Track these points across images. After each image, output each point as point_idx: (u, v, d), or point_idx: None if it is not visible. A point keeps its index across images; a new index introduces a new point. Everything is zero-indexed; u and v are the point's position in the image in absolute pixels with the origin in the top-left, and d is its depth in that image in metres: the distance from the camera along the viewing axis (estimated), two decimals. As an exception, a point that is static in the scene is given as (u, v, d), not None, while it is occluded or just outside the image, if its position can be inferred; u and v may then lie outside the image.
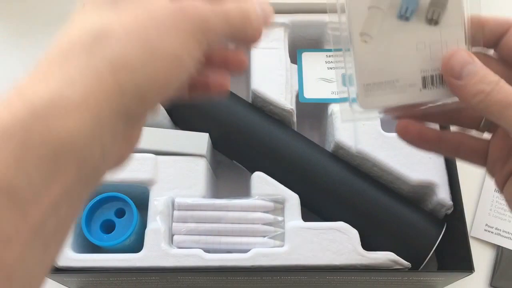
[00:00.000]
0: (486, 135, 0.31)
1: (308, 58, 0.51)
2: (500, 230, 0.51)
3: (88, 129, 0.19)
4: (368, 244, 0.43)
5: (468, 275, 0.41)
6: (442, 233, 0.43)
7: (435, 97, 0.27)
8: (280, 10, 0.52)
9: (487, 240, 0.51)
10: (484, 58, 0.27)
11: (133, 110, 0.20)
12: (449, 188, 0.45)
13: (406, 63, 0.27)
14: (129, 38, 0.20)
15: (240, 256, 0.41)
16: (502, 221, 0.51)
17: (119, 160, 0.23)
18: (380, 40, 0.27)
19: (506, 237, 0.51)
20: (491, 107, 0.25)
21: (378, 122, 0.47)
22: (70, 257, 0.41)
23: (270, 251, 0.42)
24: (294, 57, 0.52)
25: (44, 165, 0.18)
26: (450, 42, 0.27)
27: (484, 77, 0.26)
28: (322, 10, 0.52)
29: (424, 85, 0.27)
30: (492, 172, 0.30)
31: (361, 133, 0.46)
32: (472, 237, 0.51)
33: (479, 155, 0.30)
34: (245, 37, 0.23)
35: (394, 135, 0.47)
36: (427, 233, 0.44)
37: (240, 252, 0.42)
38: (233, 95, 0.50)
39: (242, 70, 0.26)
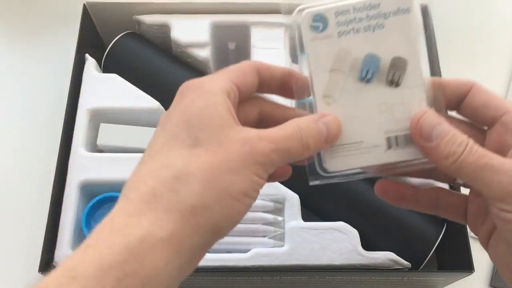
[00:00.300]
0: (464, 191, 0.30)
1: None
2: None
3: (170, 263, 0.23)
4: (368, 244, 0.43)
5: (468, 275, 0.41)
6: (442, 233, 0.43)
7: (402, 157, 0.27)
8: (280, 9, 0.52)
9: None
10: (449, 120, 0.27)
11: (209, 242, 0.25)
12: (449, 188, 0.45)
13: (370, 124, 0.27)
14: (206, 181, 0.23)
15: (240, 256, 0.41)
16: None
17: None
18: (343, 102, 0.27)
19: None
20: (464, 169, 0.25)
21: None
22: (70, 257, 0.41)
23: (270, 251, 0.42)
24: (294, 57, 0.52)
25: None
26: (413, 103, 0.27)
27: (454, 138, 0.25)
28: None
29: (389, 146, 0.27)
30: (473, 229, 0.29)
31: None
32: (472, 237, 0.50)
33: (458, 212, 0.30)
34: (300, 159, 0.27)
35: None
36: (427, 233, 0.44)
37: (240, 252, 0.42)
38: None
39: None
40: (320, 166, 0.28)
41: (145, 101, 0.47)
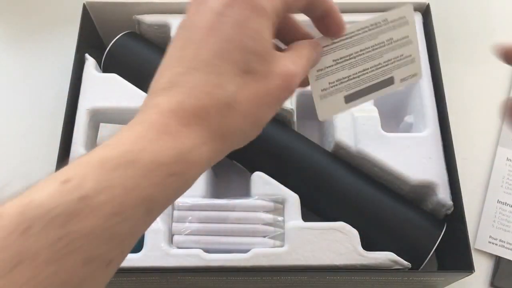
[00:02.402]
0: None
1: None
2: (504, 242, 0.50)
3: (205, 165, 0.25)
4: (368, 244, 0.43)
5: (469, 275, 0.41)
6: (442, 233, 0.43)
7: None
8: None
9: (492, 252, 0.50)
10: None
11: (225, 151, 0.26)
12: (449, 188, 0.45)
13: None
14: (249, 111, 0.26)
15: (240, 256, 0.41)
16: (506, 233, 0.51)
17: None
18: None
19: (510, 249, 0.50)
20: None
21: (378, 122, 0.47)
22: (70, 257, 0.41)
23: (270, 251, 0.42)
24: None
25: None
26: None
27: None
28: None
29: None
30: None
31: (361, 133, 0.46)
32: (475, 249, 0.50)
33: None
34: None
35: (394, 135, 0.47)
36: (427, 233, 0.43)
37: (240, 252, 0.42)
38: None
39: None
40: None
41: (145, 101, 0.47)
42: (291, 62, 0.28)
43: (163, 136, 0.23)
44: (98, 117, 0.48)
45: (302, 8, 0.30)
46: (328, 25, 0.31)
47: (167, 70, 0.26)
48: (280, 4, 0.27)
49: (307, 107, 0.52)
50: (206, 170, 0.26)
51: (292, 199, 0.44)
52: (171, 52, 0.26)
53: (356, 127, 0.47)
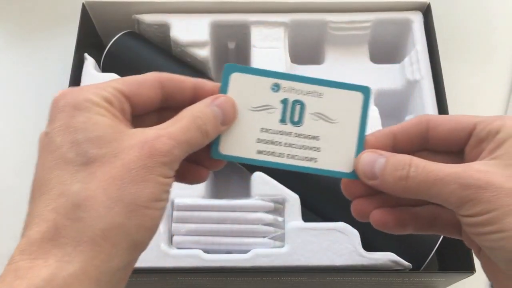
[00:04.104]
0: None
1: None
2: None
3: None
4: (368, 244, 0.43)
5: (469, 275, 0.41)
6: (443, 233, 0.43)
7: None
8: (280, 9, 0.52)
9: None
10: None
11: (131, 259, 0.23)
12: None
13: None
14: (109, 199, 0.22)
15: (240, 256, 0.41)
16: None
17: None
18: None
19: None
20: (416, 190, 0.24)
21: (378, 122, 0.47)
22: (69, 257, 0.41)
23: (270, 252, 0.41)
24: (294, 57, 0.52)
25: None
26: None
27: (394, 164, 0.25)
28: (322, 9, 0.52)
29: None
30: (467, 242, 0.28)
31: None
32: None
33: (455, 227, 0.28)
34: (202, 147, 0.26)
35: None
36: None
37: (240, 252, 0.42)
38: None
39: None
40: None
41: (145, 101, 0.47)
42: (156, 128, 0.24)
43: (17, 281, 0.20)
44: (97, 117, 0.47)
45: (162, 98, 0.27)
46: (202, 95, 0.27)
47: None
48: (107, 93, 0.25)
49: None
50: (106, 280, 0.22)
51: (292, 199, 0.44)
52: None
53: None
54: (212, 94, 0.27)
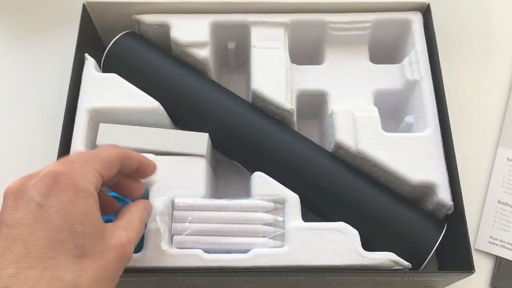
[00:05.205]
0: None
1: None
2: (505, 242, 0.50)
3: None
4: (368, 244, 0.43)
5: (469, 275, 0.41)
6: (443, 233, 0.43)
7: None
8: (280, 9, 0.52)
9: (492, 253, 0.50)
10: None
11: None
12: (449, 188, 0.45)
13: None
14: None
15: (240, 256, 0.41)
16: (506, 233, 0.51)
17: None
18: None
19: (511, 249, 0.50)
20: None
21: (378, 122, 0.47)
22: (69, 257, 0.41)
23: (270, 252, 0.41)
24: (294, 57, 0.52)
25: None
26: None
27: None
28: (322, 10, 0.52)
29: None
30: None
31: (361, 133, 0.46)
32: (476, 249, 0.50)
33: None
34: None
35: (394, 135, 0.47)
36: (428, 233, 0.43)
37: (240, 252, 0.42)
38: (233, 95, 0.50)
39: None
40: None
41: (145, 101, 0.47)
42: (124, 230, 0.30)
43: None
44: (97, 117, 0.47)
45: (117, 173, 0.33)
46: (143, 171, 0.36)
47: None
48: (96, 179, 0.30)
49: (307, 107, 0.52)
50: None
51: (292, 199, 0.44)
52: None
53: (356, 127, 0.46)
54: (150, 169, 0.37)
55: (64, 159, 0.31)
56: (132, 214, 0.33)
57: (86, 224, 0.27)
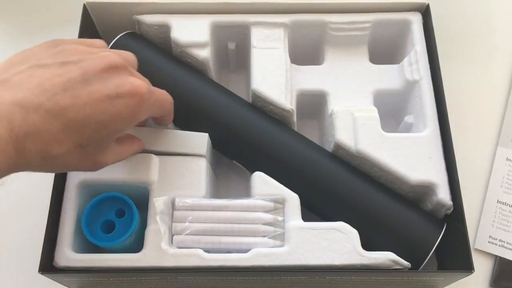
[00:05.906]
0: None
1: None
2: (504, 242, 0.50)
3: None
4: (368, 244, 0.43)
5: (468, 275, 0.41)
6: (442, 233, 0.43)
7: None
8: (280, 10, 0.52)
9: (491, 252, 0.50)
10: None
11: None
12: (449, 188, 0.45)
13: None
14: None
15: (240, 256, 0.41)
16: (506, 233, 0.51)
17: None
18: None
19: (510, 249, 0.50)
20: None
21: (378, 122, 0.47)
22: (70, 257, 0.41)
23: (270, 251, 0.42)
24: (294, 58, 0.52)
25: None
26: None
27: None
28: (322, 10, 0.52)
29: None
30: None
31: (361, 133, 0.46)
32: (475, 249, 0.50)
33: None
34: None
35: (394, 135, 0.47)
36: (427, 233, 0.44)
37: (240, 252, 0.42)
38: (233, 95, 0.50)
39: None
40: None
41: (145, 101, 0.47)
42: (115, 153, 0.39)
43: None
44: (98, 117, 0.47)
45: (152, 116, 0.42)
46: (164, 120, 0.44)
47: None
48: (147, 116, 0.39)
49: (307, 107, 0.52)
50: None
51: (292, 199, 0.44)
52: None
53: (356, 127, 0.47)
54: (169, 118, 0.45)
55: (151, 87, 0.38)
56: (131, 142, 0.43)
57: (110, 128, 0.34)
